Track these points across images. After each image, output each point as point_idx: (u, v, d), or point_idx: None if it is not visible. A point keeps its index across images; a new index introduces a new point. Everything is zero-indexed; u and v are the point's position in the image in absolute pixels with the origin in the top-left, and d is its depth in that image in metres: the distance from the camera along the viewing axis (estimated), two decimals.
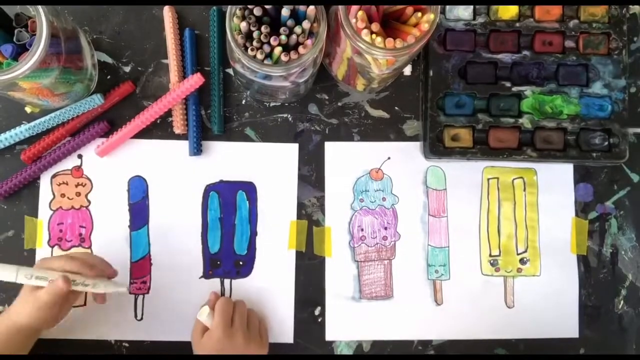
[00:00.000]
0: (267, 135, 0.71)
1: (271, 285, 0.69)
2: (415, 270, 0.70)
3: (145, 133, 0.68)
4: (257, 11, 0.54)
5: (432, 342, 0.70)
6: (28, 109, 0.68)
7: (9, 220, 0.68)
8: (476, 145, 0.69)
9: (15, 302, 0.59)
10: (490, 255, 0.71)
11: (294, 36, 0.55)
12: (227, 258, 0.69)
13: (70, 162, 0.69)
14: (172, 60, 0.68)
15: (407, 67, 0.71)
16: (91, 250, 0.68)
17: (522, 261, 0.71)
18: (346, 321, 0.69)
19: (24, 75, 0.52)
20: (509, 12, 0.69)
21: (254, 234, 0.70)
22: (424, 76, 0.70)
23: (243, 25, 0.54)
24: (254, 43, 0.54)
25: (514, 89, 0.69)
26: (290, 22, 0.55)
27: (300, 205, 0.70)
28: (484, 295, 0.70)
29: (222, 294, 0.69)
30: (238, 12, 0.54)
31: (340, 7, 0.54)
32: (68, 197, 0.68)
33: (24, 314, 0.58)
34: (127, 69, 0.70)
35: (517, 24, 0.69)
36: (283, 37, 0.54)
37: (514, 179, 0.72)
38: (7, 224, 0.68)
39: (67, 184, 0.69)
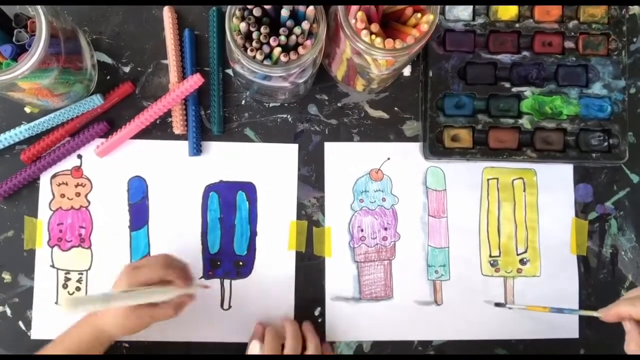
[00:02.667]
0: (266, 135, 0.71)
1: (271, 285, 0.69)
2: (415, 271, 0.70)
3: (144, 133, 0.68)
4: (257, 12, 0.54)
5: (432, 343, 0.70)
6: (27, 109, 0.68)
7: (9, 221, 0.68)
8: (476, 146, 0.69)
9: (107, 312, 0.58)
10: (490, 256, 0.71)
11: (293, 37, 0.55)
12: (227, 258, 0.69)
13: (70, 163, 0.69)
14: (171, 61, 0.68)
15: (406, 68, 0.71)
16: (91, 251, 0.68)
17: (522, 262, 0.71)
18: (346, 322, 0.69)
19: (24, 76, 0.52)
20: (508, 12, 0.69)
21: (253, 234, 0.70)
22: (424, 77, 0.70)
23: (242, 25, 0.54)
24: (254, 43, 0.54)
25: (514, 89, 0.69)
26: (289, 23, 0.55)
27: (300, 206, 0.70)
28: (484, 295, 0.70)
29: (222, 295, 0.69)
30: (237, 13, 0.54)
31: (339, 7, 0.54)
32: (68, 198, 0.68)
33: (115, 327, 0.58)
34: (127, 69, 0.70)
35: (517, 25, 0.69)
36: (282, 38, 0.54)
37: (513, 180, 0.72)
38: (6, 224, 0.68)
39: (66, 184, 0.69)
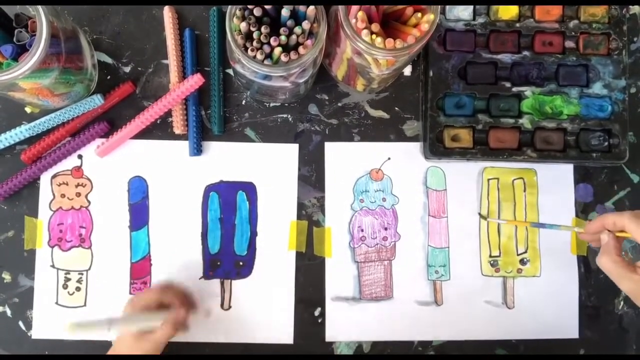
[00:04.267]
0: (267, 135, 0.70)
1: (271, 285, 0.69)
2: (415, 271, 0.70)
3: (145, 133, 0.68)
4: (257, 11, 0.54)
5: (432, 343, 0.70)
6: (28, 109, 0.68)
7: (9, 221, 0.68)
8: (476, 146, 0.69)
9: (121, 346, 0.59)
10: (491, 256, 0.71)
11: (293, 36, 0.55)
12: (227, 258, 0.69)
13: (70, 163, 0.69)
14: (172, 61, 0.68)
15: (407, 68, 0.71)
16: (91, 251, 0.68)
17: (522, 262, 0.71)
18: (346, 322, 0.69)
19: (24, 76, 0.52)
20: (509, 12, 0.69)
21: (254, 234, 0.70)
22: (424, 76, 0.70)
23: (243, 25, 0.54)
24: (254, 43, 0.54)
25: (514, 89, 0.69)
26: (290, 23, 0.55)
27: (301, 206, 0.70)
28: (484, 296, 0.70)
29: (222, 294, 0.69)
30: (238, 13, 0.54)
31: (340, 7, 0.54)
32: (68, 198, 0.68)
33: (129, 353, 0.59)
34: (127, 69, 0.70)
35: (517, 25, 0.69)
36: (283, 38, 0.54)
37: (514, 180, 0.72)
38: (7, 224, 0.68)
39: (67, 184, 0.69)
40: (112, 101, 0.68)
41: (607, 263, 0.52)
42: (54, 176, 0.69)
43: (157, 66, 0.70)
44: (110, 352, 0.60)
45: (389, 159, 0.71)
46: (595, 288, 0.71)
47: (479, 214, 0.69)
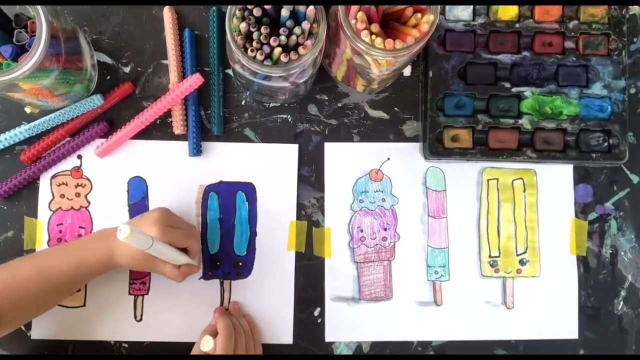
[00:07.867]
0: (266, 135, 0.70)
1: (271, 286, 0.69)
2: (415, 271, 0.70)
3: (144, 134, 0.68)
4: (257, 12, 0.54)
5: (432, 343, 0.70)
6: (28, 110, 0.68)
7: (9, 221, 0.68)
8: (476, 146, 0.69)
9: (128, 248, 0.58)
10: (490, 256, 0.71)
11: (293, 37, 0.55)
12: (227, 259, 0.69)
13: (70, 163, 0.69)
14: (171, 61, 0.68)
15: (406, 68, 0.71)
16: None
17: (521, 262, 0.71)
18: (346, 322, 0.69)
19: (24, 76, 0.52)
20: (508, 12, 0.69)
21: (253, 234, 0.70)
22: (424, 77, 0.70)
23: (243, 25, 0.54)
24: (254, 44, 0.54)
25: (514, 89, 0.69)
26: (289, 23, 0.55)
27: (300, 206, 0.70)
28: (483, 296, 0.70)
29: (222, 295, 0.69)
30: (238, 13, 0.54)
31: (339, 7, 0.54)
32: (68, 198, 0.68)
33: (128, 261, 0.60)
34: (127, 69, 0.70)
35: (517, 25, 0.69)
36: (283, 38, 0.54)
37: (513, 180, 0.72)
38: (6, 224, 0.68)
39: (66, 184, 0.69)
40: (112, 101, 0.68)
41: None
42: (53, 176, 0.69)
43: (156, 66, 0.70)
44: (115, 245, 0.60)
45: (389, 159, 0.71)
46: (594, 288, 0.71)
47: None
